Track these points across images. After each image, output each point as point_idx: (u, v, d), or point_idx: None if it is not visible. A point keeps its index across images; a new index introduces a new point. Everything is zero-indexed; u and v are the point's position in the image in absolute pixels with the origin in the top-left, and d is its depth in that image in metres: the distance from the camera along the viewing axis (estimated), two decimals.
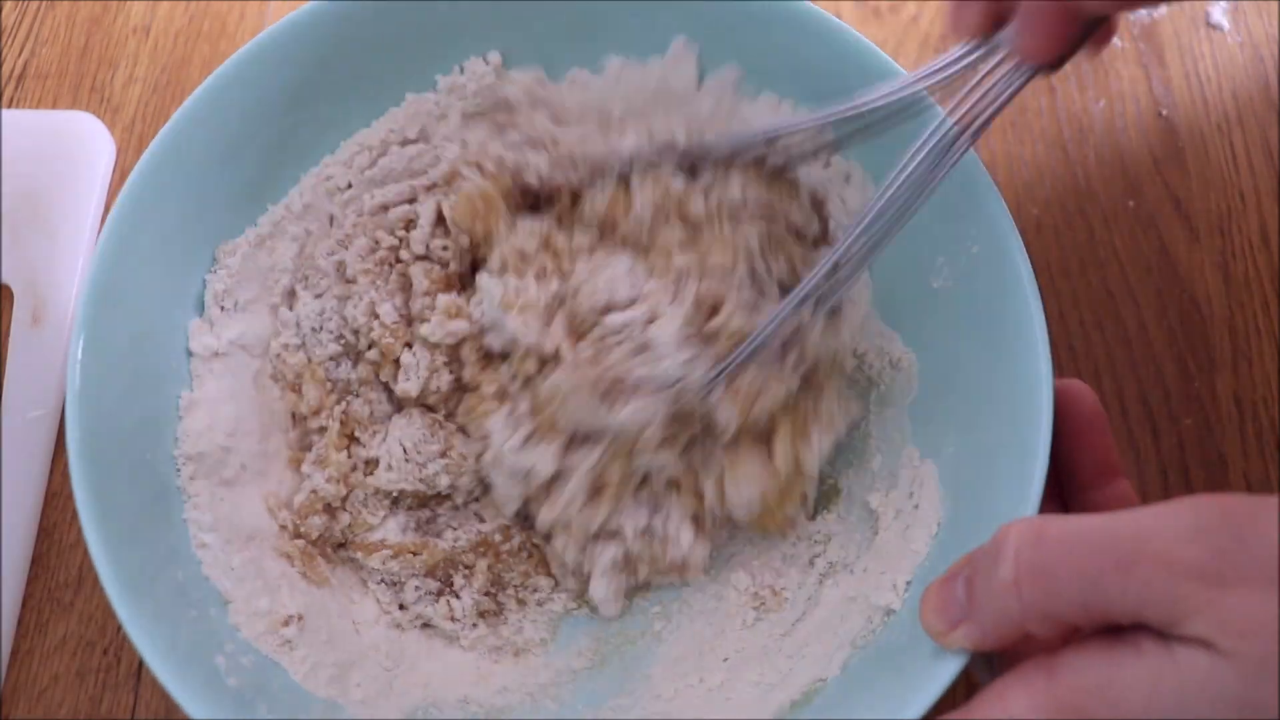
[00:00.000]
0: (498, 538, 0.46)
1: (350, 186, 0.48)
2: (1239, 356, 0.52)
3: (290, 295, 0.47)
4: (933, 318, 0.45)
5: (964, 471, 0.42)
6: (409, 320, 0.46)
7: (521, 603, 0.46)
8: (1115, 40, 0.59)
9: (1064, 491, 0.41)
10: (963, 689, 0.36)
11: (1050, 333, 0.52)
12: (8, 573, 0.46)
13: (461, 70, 0.48)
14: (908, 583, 0.41)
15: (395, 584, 0.46)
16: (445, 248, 0.47)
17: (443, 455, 0.45)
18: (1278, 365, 0.52)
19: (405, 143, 0.48)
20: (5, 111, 0.55)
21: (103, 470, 0.40)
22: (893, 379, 0.46)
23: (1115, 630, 0.32)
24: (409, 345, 0.46)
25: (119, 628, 0.47)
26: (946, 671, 0.36)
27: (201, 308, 0.45)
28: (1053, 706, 0.32)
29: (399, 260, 0.47)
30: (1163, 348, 0.52)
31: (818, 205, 0.46)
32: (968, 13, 0.39)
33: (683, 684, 0.44)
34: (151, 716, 0.45)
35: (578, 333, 0.43)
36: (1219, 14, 0.59)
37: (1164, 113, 0.57)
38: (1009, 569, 0.32)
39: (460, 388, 0.46)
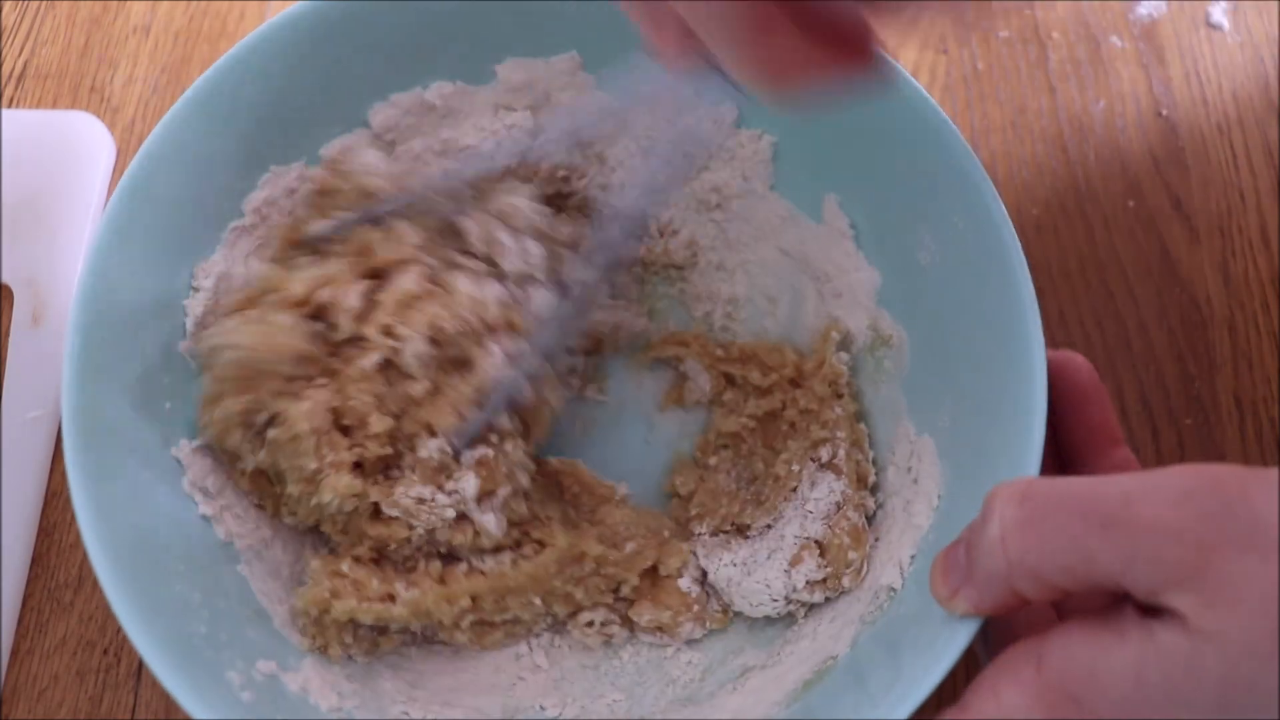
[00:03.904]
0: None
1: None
2: (1239, 356, 0.52)
3: None
4: (921, 292, 0.45)
5: (962, 443, 0.42)
6: None
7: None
8: (1115, 40, 0.59)
9: (1065, 463, 0.41)
10: (973, 664, 0.36)
11: (1050, 333, 0.53)
12: (8, 573, 0.46)
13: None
14: (912, 557, 0.41)
15: None
16: None
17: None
18: (1278, 365, 0.52)
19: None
20: (5, 111, 0.55)
21: (105, 477, 0.40)
22: (884, 356, 0.46)
23: (1100, 609, 0.32)
24: None
25: (119, 628, 0.47)
26: (958, 641, 0.36)
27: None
28: (1045, 697, 0.32)
29: None
30: (1163, 348, 0.52)
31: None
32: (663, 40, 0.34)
33: (700, 668, 0.45)
34: (151, 717, 0.45)
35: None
36: (1219, 14, 0.59)
37: (1164, 113, 0.57)
38: (995, 527, 0.32)
39: None
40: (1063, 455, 0.41)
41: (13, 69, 0.57)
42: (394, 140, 0.49)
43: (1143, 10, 0.59)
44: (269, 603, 0.43)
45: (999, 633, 0.36)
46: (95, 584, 0.47)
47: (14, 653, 0.46)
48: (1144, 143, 0.56)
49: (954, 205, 0.43)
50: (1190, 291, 0.53)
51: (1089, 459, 0.41)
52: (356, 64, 0.47)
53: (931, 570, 0.37)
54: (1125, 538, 0.30)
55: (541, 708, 0.44)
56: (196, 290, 0.45)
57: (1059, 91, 0.58)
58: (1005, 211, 0.41)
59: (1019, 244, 0.41)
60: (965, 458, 0.42)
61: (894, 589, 0.41)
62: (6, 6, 0.59)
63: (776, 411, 0.48)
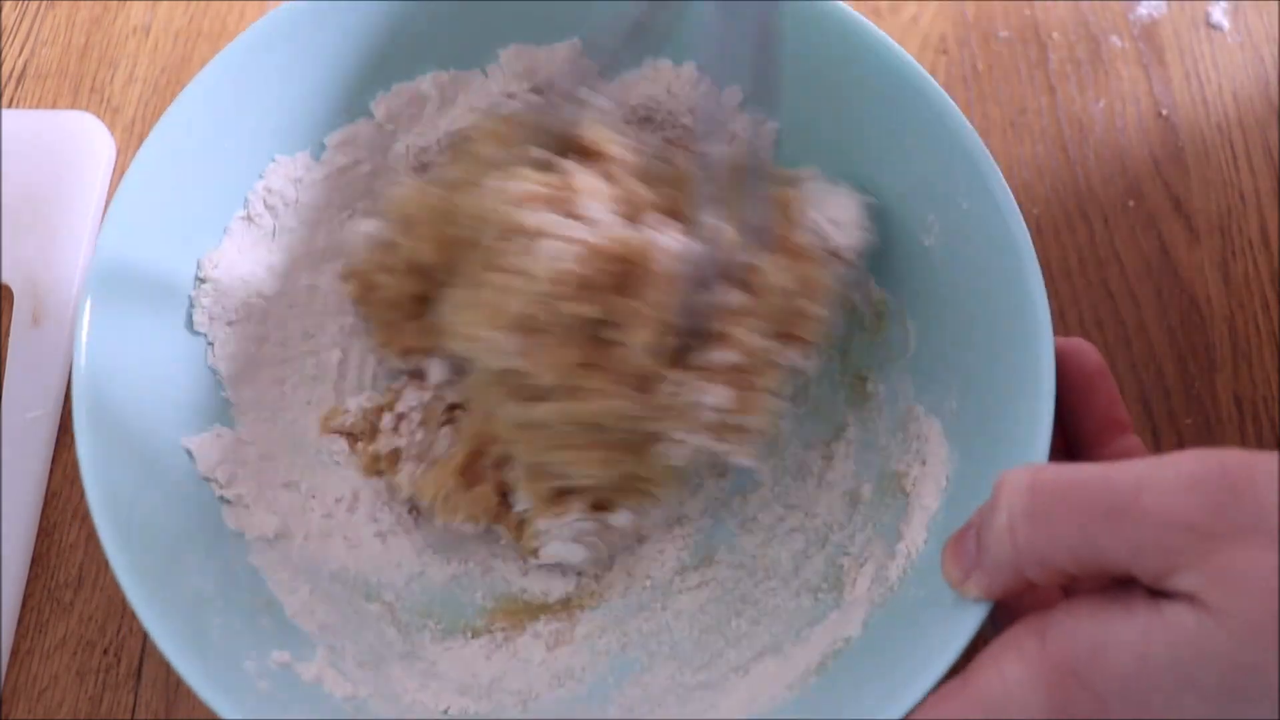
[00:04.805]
0: None
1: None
2: (1239, 356, 0.52)
3: None
4: (927, 275, 0.45)
5: (970, 424, 0.42)
6: None
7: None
8: (1115, 40, 0.59)
9: (1072, 450, 0.41)
10: (978, 637, 0.36)
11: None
12: (8, 573, 0.46)
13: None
14: (924, 540, 0.41)
15: None
16: None
17: None
18: (1278, 365, 0.52)
19: None
20: (5, 111, 0.55)
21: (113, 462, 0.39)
22: (889, 338, 0.47)
23: (1107, 588, 0.32)
24: None
25: (119, 628, 0.47)
26: (969, 623, 0.36)
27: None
28: (1047, 670, 0.32)
29: None
30: (1163, 348, 0.52)
31: None
32: None
33: (709, 654, 0.44)
34: (151, 717, 0.45)
35: None
36: (1219, 14, 0.59)
37: (1164, 113, 0.57)
38: (1003, 515, 0.33)
39: None
40: (1070, 442, 0.41)
41: (13, 69, 0.57)
42: (395, 129, 0.49)
43: (1143, 10, 0.59)
44: (281, 592, 0.43)
45: (1005, 607, 0.36)
46: (95, 584, 0.47)
47: (14, 653, 0.46)
48: (1144, 143, 0.56)
49: (961, 189, 0.43)
50: (1190, 291, 0.53)
51: (1097, 446, 0.41)
52: (359, 54, 0.47)
53: (944, 554, 0.37)
54: (1132, 527, 0.30)
55: (559, 682, 0.44)
56: (203, 281, 0.45)
57: (1059, 91, 0.58)
58: (1010, 193, 0.41)
59: (1025, 227, 0.41)
60: (973, 440, 0.42)
61: (904, 571, 0.41)
62: (6, 6, 0.59)
63: None
